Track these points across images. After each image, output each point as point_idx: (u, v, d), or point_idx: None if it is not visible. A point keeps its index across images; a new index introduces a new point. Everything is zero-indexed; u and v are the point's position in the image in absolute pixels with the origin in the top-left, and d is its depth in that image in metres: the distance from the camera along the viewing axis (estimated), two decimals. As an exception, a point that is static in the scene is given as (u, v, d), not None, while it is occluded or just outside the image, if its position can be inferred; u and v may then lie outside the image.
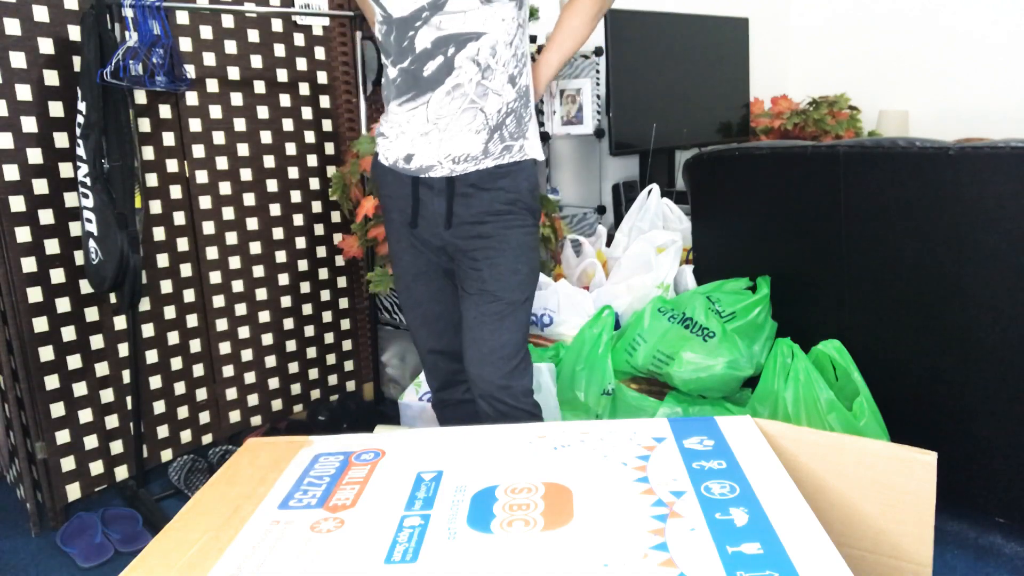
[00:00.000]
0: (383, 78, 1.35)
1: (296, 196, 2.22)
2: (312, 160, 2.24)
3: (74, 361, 1.82)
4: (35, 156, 1.70)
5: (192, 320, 2.05)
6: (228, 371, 2.15)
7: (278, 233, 2.20)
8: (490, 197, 1.30)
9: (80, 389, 1.84)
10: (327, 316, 2.37)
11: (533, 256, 1.36)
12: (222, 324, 2.11)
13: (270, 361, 2.24)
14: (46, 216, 1.73)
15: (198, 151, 1.99)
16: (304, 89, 2.19)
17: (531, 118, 1.34)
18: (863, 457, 0.98)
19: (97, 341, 1.86)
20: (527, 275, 1.35)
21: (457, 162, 1.28)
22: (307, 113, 2.21)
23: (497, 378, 1.34)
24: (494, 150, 1.29)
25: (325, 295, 2.35)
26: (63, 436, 1.81)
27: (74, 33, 1.72)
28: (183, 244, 2.01)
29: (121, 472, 1.95)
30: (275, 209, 2.18)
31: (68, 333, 1.80)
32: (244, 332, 2.17)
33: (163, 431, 2.03)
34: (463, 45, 1.24)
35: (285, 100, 2.15)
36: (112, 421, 1.91)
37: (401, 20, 1.25)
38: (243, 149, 2.08)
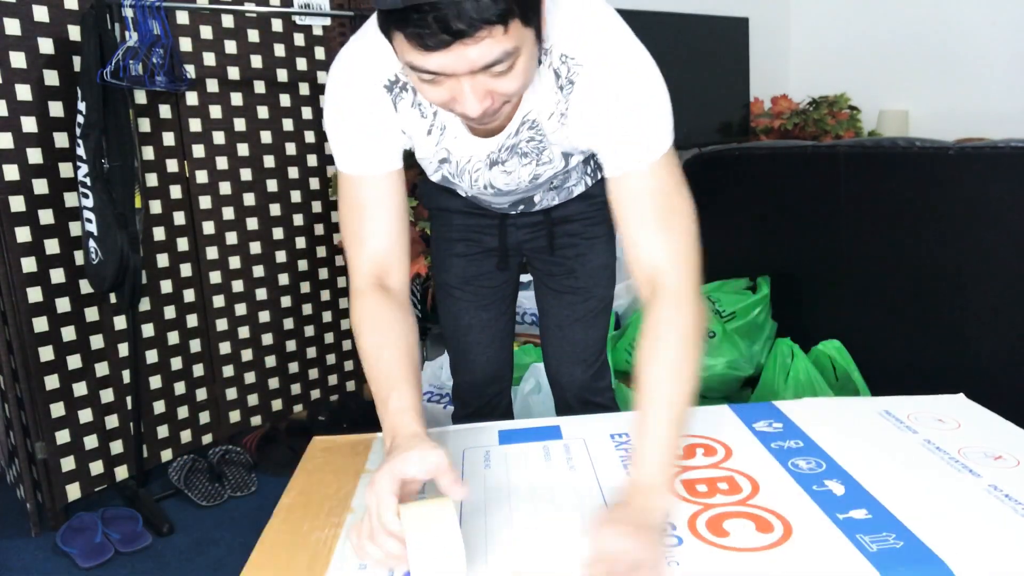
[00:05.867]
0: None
1: (296, 196, 2.22)
2: (312, 160, 2.24)
3: (74, 361, 1.82)
4: (35, 156, 1.70)
5: (192, 320, 2.05)
6: (228, 371, 2.15)
7: (278, 233, 2.20)
8: (581, 202, 1.23)
9: (80, 389, 1.83)
10: (327, 316, 2.37)
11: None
12: (222, 324, 2.11)
13: (270, 361, 2.24)
14: (46, 216, 1.73)
15: (198, 151, 1.99)
16: (304, 89, 2.19)
17: None
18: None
19: (97, 341, 1.86)
20: (615, 268, 1.28)
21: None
22: (307, 113, 2.21)
23: (588, 377, 1.30)
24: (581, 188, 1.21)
25: (325, 295, 2.35)
26: (63, 436, 1.81)
27: (74, 33, 1.72)
28: (183, 244, 2.00)
29: (121, 472, 1.95)
30: (275, 209, 2.18)
31: (68, 333, 1.79)
32: (244, 332, 2.16)
33: (163, 431, 2.03)
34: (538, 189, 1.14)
35: (285, 100, 2.15)
36: (112, 421, 1.91)
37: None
38: (243, 149, 2.08)
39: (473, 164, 1.01)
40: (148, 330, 1.96)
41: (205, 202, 2.03)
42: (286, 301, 2.25)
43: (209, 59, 1.98)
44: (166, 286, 1.98)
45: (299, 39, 2.16)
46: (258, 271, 2.17)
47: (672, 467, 0.83)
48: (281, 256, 2.22)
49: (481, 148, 0.98)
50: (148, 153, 1.90)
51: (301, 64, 2.17)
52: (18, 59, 1.65)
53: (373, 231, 0.96)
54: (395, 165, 0.97)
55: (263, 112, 2.11)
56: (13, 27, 1.63)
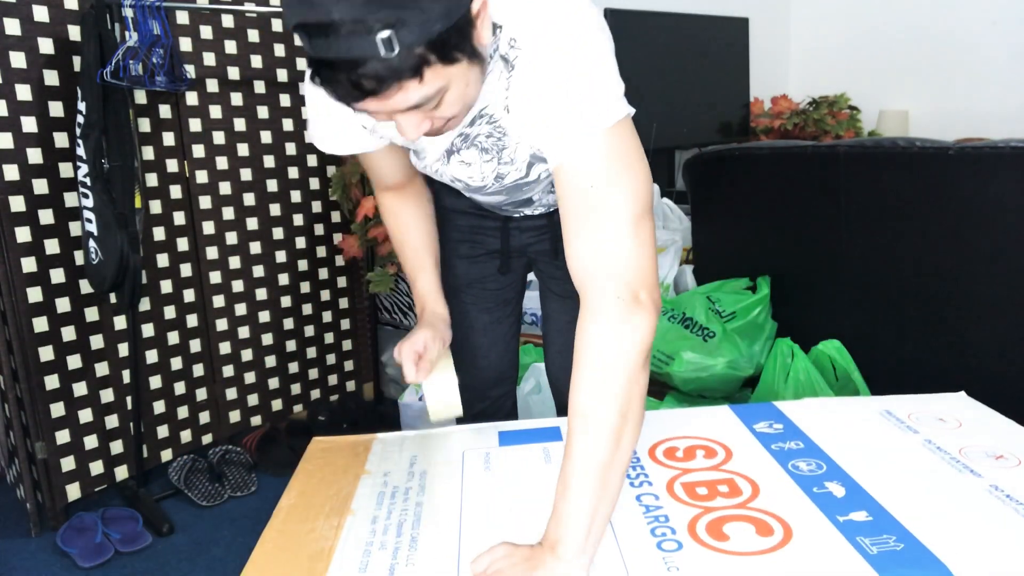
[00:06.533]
0: None
1: (296, 196, 2.22)
2: (312, 160, 2.23)
3: (74, 361, 1.82)
4: (35, 156, 1.70)
5: (192, 320, 2.05)
6: (228, 371, 2.15)
7: (278, 233, 2.20)
8: None
9: (80, 389, 1.83)
10: (327, 316, 2.37)
11: None
12: (222, 324, 2.11)
13: (270, 361, 2.24)
14: (46, 216, 1.73)
15: (198, 151, 1.99)
16: (304, 89, 2.18)
17: None
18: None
19: (97, 341, 1.85)
20: None
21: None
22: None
23: None
24: None
25: (325, 295, 2.35)
26: (63, 436, 1.81)
27: (74, 33, 1.72)
28: (183, 244, 2.00)
29: (121, 472, 1.95)
30: (275, 209, 2.18)
31: (68, 333, 1.79)
32: (244, 332, 2.16)
33: (163, 431, 2.03)
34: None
35: (285, 100, 2.15)
36: (112, 421, 1.91)
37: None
38: (243, 149, 2.08)
39: (432, 157, 1.01)
40: (148, 330, 1.96)
41: (205, 202, 2.03)
42: (286, 301, 2.25)
43: (209, 59, 1.98)
44: (166, 286, 1.98)
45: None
46: (258, 271, 2.17)
47: (600, 528, 0.73)
48: (281, 256, 2.21)
49: (437, 143, 0.98)
50: (148, 153, 1.90)
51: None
52: (18, 59, 1.64)
53: (386, 174, 1.13)
54: (385, 143, 1.04)
55: (263, 112, 2.11)
56: (13, 27, 1.63)
